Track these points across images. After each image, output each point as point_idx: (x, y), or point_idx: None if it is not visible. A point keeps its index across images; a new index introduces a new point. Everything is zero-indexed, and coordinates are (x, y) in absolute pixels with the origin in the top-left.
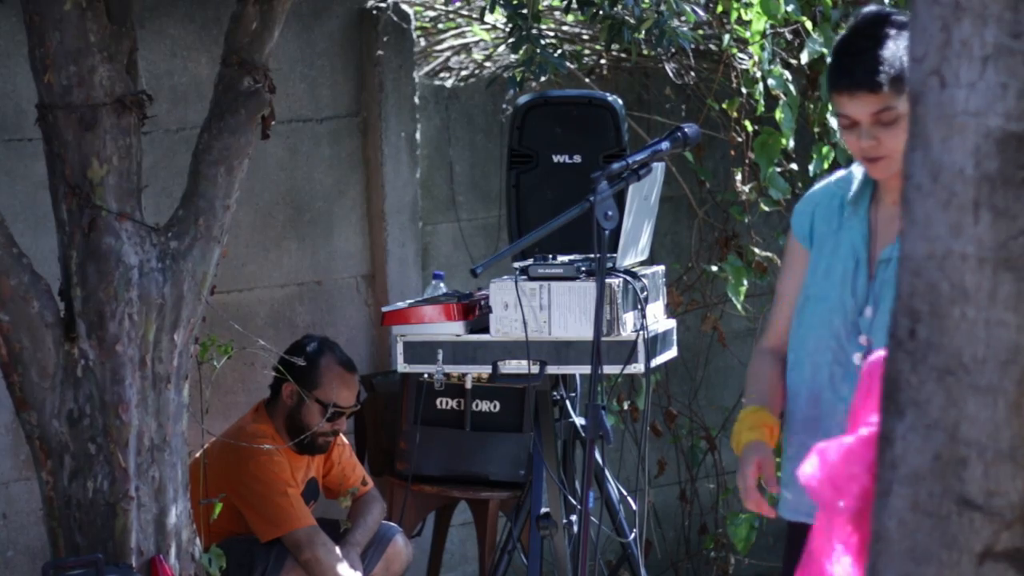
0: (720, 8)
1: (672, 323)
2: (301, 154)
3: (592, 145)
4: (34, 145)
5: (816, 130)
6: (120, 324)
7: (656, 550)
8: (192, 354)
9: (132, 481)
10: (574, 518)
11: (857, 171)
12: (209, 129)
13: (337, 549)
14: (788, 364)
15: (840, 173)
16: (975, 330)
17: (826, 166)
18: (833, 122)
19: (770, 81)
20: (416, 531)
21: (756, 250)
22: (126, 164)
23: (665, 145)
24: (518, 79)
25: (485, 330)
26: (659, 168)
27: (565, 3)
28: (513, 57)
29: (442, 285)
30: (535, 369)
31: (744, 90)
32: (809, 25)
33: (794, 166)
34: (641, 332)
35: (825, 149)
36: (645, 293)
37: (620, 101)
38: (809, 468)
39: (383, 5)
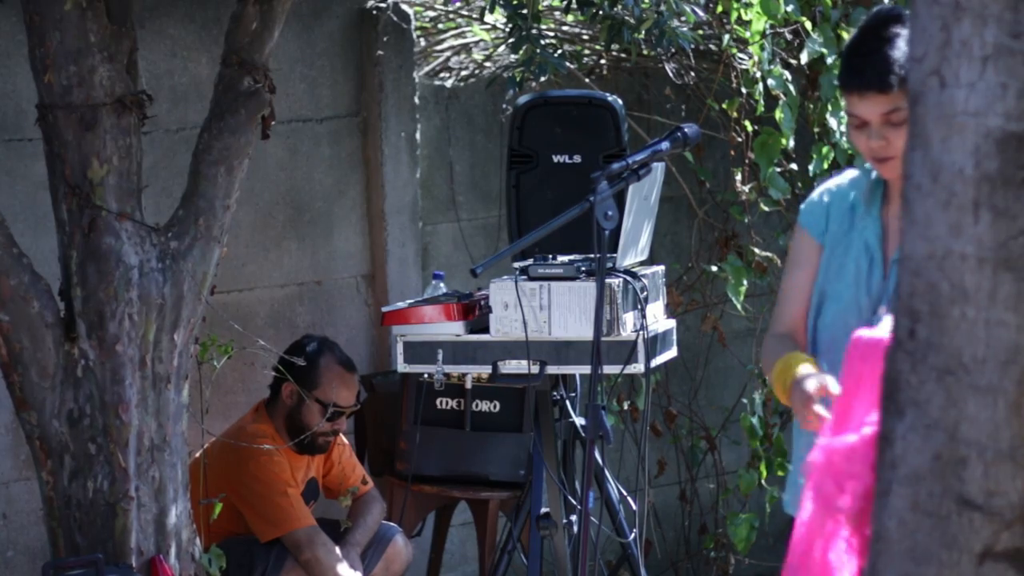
0: (720, 8)
1: (672, 323)
2: (301, 154)
3: (592, 145)
4: (34, 145)
5: (816, 130)
6: (120, 324)
7: (656, 550)
8: (192, 354)
9: (132, 481)
10: (574, 518)
11: (867, 171)
12: (209, 129)
13: (337, 549)
14: None
15: (850, 173)
16: (975, 330)
17: (826, 166)
18: (833, 122)
19: (770, 81)
20: (416, 531)
21: (756, 250)
22: (126, 164)
23: (665, 145)
24: (518, 79)
25: (485, 330)
26: (659, 168)
27: (565, 3)
28: (513, 57)
29: (442, 285)
30: (535, 369)
31: (744, 90)
32: (809, 25)
33: (794, 166)
34: (641, 332)
35: (825, 149)
36: (645, 293)
37: (620, 101)
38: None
39: (383, 5)
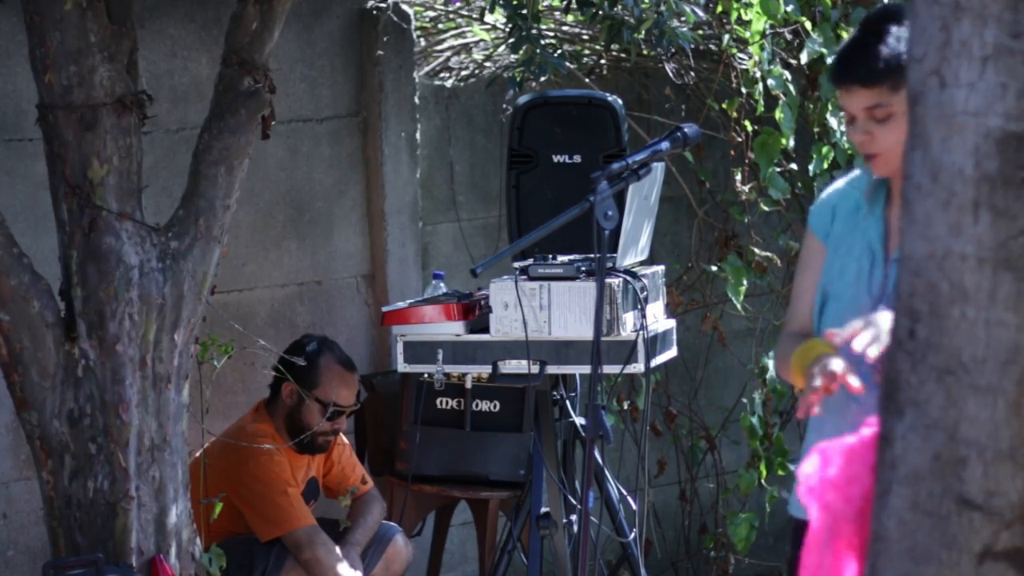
0: (720, 8)
1: (672, 323)
2: (301, 154)
3: (592, 145)
4: (34, 145)
5: (816, 130)
6: (120, 324)
7: (656, 550)
8: (192, 354)
9: (132, 481)
10: (574, 518)
11: (868, 170)
12: (209, 129)
13: (337, 549)
14: None
15: (854, 173)
16: (975, 330)
17: (826, 166)
18: (833, 122)
19: (770, 81)
20: (416, 531)
21: (756, 250)
22: (126, 164)
23: (665, 145)
24: (518, 79)
25: (485, 330)
26: (659, 168)
27: (565, 3)
28: (513, 57)
29: (442, 285)
30: (535, 369)
31: (744, 90)
32: (809, 25)
33: (794, 166)
34: (641, 332)
35: (825, 149)
36: (645, 293)
37: (620, 101)
38: (809, 468)
39: (383, 5)
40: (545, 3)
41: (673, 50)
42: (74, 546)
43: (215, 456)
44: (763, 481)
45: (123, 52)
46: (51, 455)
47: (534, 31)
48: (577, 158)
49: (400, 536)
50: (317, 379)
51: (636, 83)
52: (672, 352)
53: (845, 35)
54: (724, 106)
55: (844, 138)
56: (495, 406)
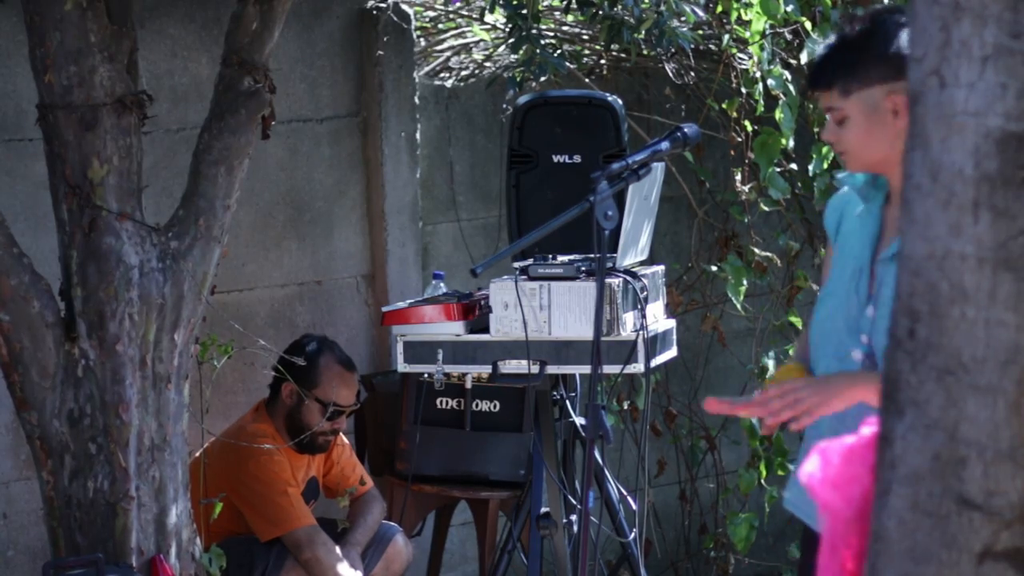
0: (720, 8)
1: (672, 323)
2: (301, 154)
3: (592, 145)
4: (34, 145)
5: (816, 130)
6: (120, 324)
7: (656, 550)
8: (192, 354)
9: (132, 481)
10: (574, 518)
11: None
12: (209, 129)
13: (337, 549)
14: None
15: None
16: (975, 330)
17: (826, 166)
18: None
19: (770, 81)
20: (416, 531)
21: (756, 250)
22: (126, 164)
23: (665, 145)
24: (518, 79)
25: (485, 330)
26: (659, 168)
27: (565, 3)
28: (513, 57)
29: (442, 285)
30: (535, 369)
31: (744, 90)
32: (809, 25)
33: (794, 166)
34: (641, 332)
35: (825, 149)
36: (645, 293)
37: (620, 101)
38: (810, 467)
39: (383, 5)
40: (545, 3)
41: (673, 50)
42: (74, 546)
43: (215, 456)
44: (763, 481)
45: (123, 52)
46: (51, 455)
47: (534, 31)
48: (577, 158)
49: (400, 536)
50: (317, 379)
51: (636, 83)
52: (672, 352)
53: None
54: (724, 106)
55: None
56: (495, 406)
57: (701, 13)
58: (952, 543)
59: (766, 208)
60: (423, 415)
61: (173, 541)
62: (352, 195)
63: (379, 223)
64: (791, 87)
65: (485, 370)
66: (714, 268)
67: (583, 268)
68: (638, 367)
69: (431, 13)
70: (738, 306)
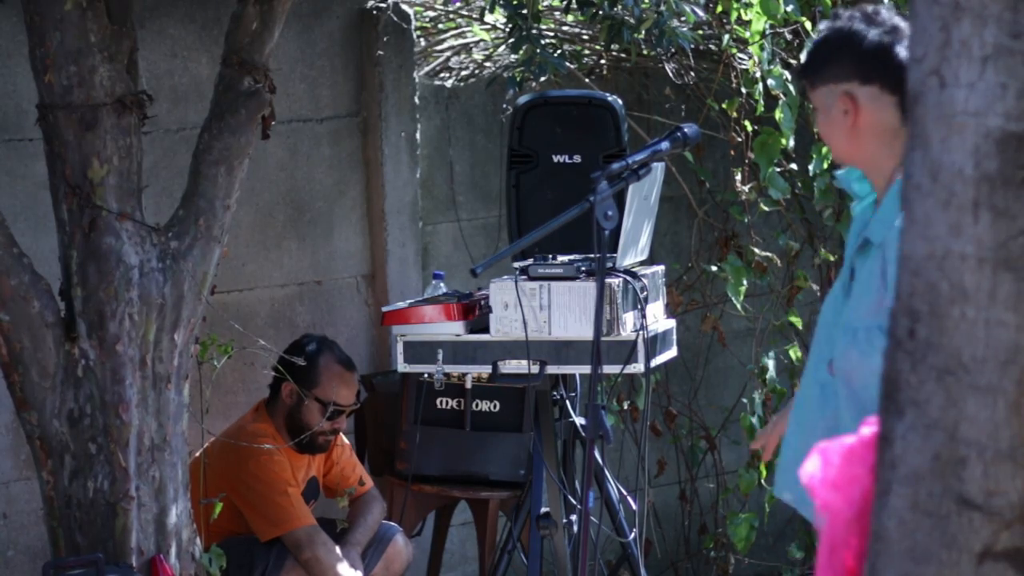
0: (720, 8)
1: (672, 323)
2: (301, 154)
3: (592, 145)
4: (34, 145)
5: (816, 130)
6: (120, 324)
7: (656, 550)
8: (192, 354)
9: (132, 481)
10: (574, 518)
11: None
12: (209, 129)
13: (337, 549)
14: None
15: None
16: (975, 330)
17: (826, 166)
18: None
19: (770, 81)
20: (416, 531)
21: (756, 250)
22: (126, 164)
23: (665, 145)
24: (518, 79)
25: (485, 330)
26: (659, 168)
27: (565, 3)
28: (513, 57)
29: (442, 285)
30: (535, 369)
31: (744, 90)
32: (809, 25)
33: (794, 166)
34: (641, 332)
35: (825, 149)
36: (645, 293)
37: (620, 101)
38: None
39: (383, 5)
40: (545, 3)
41: (673, 50)
42: (74, 546)
43: (215, 456)
44: (763, 481)
45: (123, 52)
46: (51, 455)
47: (534, 31)
48: (577, 158)
49: (400, 536)
50: (317, 379)
51: (636, 83)
52: (672, 352)
53: None
54: (724, 106)
55: None
56: (495, 406)
57: (701, 13)
58: (952, 543)
59: (766, 208)
60: (423, 415)
61: (173, 541)
62: (352, 195)
63: (379, 223)
64: (791, 87)
65: (485, 370)
66: (714, 268)
67: (583, 268)
68: (638, 367)
69: (431, 13)
70: (738, 306)
